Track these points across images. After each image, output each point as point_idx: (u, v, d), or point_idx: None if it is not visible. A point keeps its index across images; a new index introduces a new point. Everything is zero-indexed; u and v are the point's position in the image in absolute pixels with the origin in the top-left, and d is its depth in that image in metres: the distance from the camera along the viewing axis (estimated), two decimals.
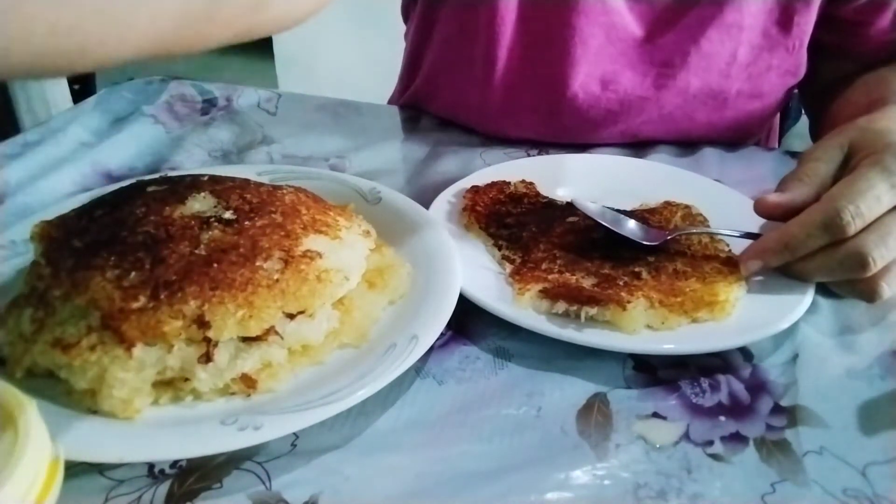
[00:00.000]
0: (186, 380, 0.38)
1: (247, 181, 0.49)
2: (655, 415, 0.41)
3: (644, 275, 0.49)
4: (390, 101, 0.91)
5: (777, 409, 0.42)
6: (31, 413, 0.27)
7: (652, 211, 0.58)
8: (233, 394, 0.39)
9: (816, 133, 0.77)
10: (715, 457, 0.39)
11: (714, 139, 0.73)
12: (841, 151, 0.50)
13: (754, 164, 0.70)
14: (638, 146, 0.73)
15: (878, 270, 0.44)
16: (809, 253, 0.46)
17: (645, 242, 0.51)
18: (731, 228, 0.53)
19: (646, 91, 0.68)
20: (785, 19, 0.66)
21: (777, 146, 0.89)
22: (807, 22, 0.67)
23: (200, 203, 0.44)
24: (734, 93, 0.69)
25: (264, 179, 0.53)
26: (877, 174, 0.45)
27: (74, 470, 0.35)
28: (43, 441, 0.27)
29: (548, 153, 0.70)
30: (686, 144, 0.72)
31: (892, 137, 0.47)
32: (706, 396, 0.43)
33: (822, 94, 0.74)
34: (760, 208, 0.51)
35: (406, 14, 0.85)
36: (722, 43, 0.66)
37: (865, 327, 0.48)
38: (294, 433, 0.38)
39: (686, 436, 0.40)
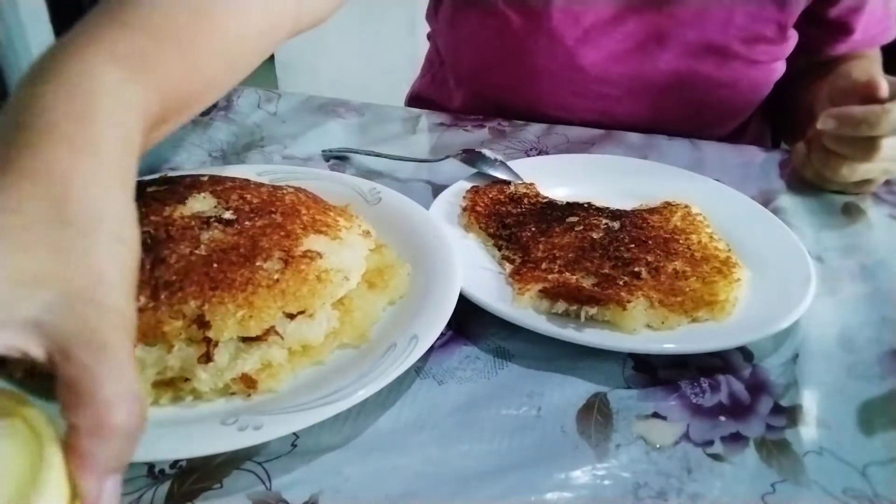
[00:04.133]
0: (186, 380, 0.38)
1: (247, 181, 0.49)
2: (655, 415, 0.41)
3: (644, 275, 0.49)
4: (410, 94, 0.96)
5: (777, 409, 0.42)
6: (53, 450, 0.25)
7: (652, 211, 0.58)
8: (233, 394, 0.39)
9: (789, 122, 0.83)
10: (715, 457, 0.39)
11: (716, 106, 0.77)
12: None
13: (754, 163, 0.70)
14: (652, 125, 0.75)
15: None
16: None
17: None
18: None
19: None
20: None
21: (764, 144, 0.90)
22: (797, 3, 0.70)
23: (200, 203, 0.44)
24: (732, 51, 0.72)
25: (264, 179, 0.53)
26: None
27: None
28: (61, 482, 0.25)
29: (547, 153, 0.71)
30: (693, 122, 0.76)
31: None
32: (706, 396, 0.43)
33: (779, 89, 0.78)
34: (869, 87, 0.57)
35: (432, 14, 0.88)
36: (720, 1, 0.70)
37: (865, 327, 0.48)
38: (294, 433, 0.38)
39: (686, 436, 0.40)
